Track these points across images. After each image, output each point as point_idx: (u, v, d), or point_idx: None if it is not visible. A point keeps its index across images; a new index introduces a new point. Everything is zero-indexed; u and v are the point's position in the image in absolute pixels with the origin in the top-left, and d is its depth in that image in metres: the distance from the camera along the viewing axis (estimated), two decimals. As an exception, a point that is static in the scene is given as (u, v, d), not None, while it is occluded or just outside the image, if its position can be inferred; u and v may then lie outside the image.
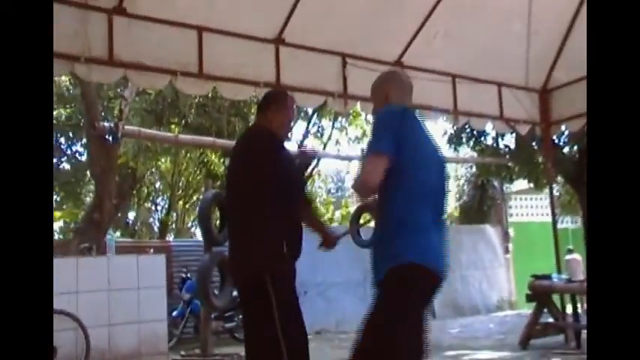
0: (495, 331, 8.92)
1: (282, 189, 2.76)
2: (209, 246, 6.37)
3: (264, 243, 2.75)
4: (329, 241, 3.12)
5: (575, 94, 5.95)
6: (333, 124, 14.65)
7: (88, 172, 11.38)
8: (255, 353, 2.80)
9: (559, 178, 10.97)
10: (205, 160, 13.33)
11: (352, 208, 12.98)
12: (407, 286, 2.29)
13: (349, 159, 12.00)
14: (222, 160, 12.63)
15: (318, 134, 14.91)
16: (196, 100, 11.27)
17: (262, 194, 2.75)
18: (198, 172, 14.33)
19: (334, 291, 10.70)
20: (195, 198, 15.43)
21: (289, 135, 3.56)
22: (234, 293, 8.53)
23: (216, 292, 6.71)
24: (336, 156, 11.28)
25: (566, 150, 10.06)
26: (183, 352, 6.86)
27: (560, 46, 5.75)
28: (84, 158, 13.32)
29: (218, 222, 7.03)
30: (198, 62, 4.37)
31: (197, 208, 8.22)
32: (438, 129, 12.23)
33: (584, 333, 5.85)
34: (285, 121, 3.00)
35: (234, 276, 3.06)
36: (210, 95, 9.80)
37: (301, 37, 4.79)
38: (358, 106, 5.39)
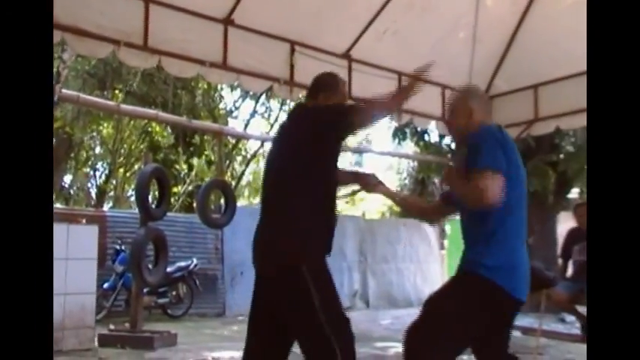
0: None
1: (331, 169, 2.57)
2: (145, 220, 6.31)
3: (305, 228, 2.50)
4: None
5: (514, 103, 6.19)
6: (282, 106, 14.65)
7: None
8: (301, 343, 2.54)
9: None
10: (149, 129, 13.08)
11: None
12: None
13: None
14: (166, 131, 12.43)
15: (266, 115, 14.88)
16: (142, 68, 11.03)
17: (310, 176, 2.53)
18: (141, 141, 14.05)
19: (271, 273, 10.72)
20: (136, 167, 15.16)
21: None
22: (168, 270, 8.53)
23: (150, 267, 6.66)
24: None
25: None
26: (112, 326, 6.79)
27: (502, 55, 5.96)
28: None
29: (156, 197, 6.94)
30: (143, 34, 4.30)
31: (135, 181, 8.08)
32: (383, 122, 12.39)
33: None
34: None
35: (263, 260, 2.63)
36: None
37: (251, 20, 4.77)
38: (302, 95, 5.43)
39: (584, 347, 5.90)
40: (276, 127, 15.03)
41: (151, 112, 7.80)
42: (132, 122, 13.34)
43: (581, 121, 5.94)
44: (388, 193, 3.01)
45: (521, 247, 2.46)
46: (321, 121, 2.58)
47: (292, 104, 14.40)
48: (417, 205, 3.77)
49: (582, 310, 5.74)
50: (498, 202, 2.26)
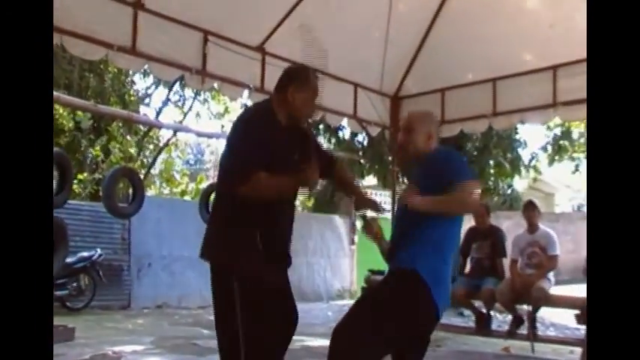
0: (332, 319, 9.31)
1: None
2: (42, 208, 6.01)
3: (234, 235, 2.53)
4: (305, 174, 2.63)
5: (421, 105, 6.40)
6: (195, 96, 14.36)
7: None
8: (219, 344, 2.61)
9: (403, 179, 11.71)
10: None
11: (206, 183, 12.87)
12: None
13: (210, 136, 11.81)
14: (71, 115, 11.83)
15: (179, 104, 14.53)
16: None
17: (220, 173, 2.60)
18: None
19: (179, 265, 10.54)
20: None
21: (309, 119, 3.17)
22: (68, 260, 8.17)
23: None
24: (197, 133, 11.07)
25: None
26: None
27: (412, 58, 6.16)
28: None
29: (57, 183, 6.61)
30: (43, 12, 4.07)
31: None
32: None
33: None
34: (309, 100, 2.67)
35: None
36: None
37: (163, 6, 4.62)
38: (215, 85, 5.35)
39: (478, 339, 6.28)
40: (190, 116, 14.76)
41: (52, 93, 7.40)
42: (34, 103, 12.54)
43: (483, 125, 6.27)
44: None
45: (449, 261, 2.55)
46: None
47: (208, 95, 14.18)
48: None
49: (477, 304, 6.06)
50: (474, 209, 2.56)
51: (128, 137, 12.60)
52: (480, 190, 2.54)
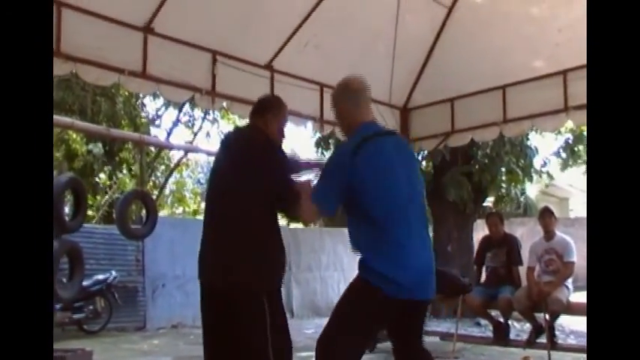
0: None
1: (279, 198, 2.75)
2: (59, 233, 6.05)
3: (252, 258, 2.71)
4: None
5: (431, 115, 6.44)
6: (205, 115, 14.45)
7: None
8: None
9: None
10: (65, 137, 12.53)
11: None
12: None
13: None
14: (84, 139, 11.96)
15: (189, 124, 14.64)
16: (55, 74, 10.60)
17: (260, 203, 2.73)
18: (55, 149, 13.43)
19: (193, 285, 10.46)
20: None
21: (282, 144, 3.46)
22: (84, 284, 8.20)
23: (64, 280, 6.39)
24: (208, 152, 11.14)
25: (423, 166, 10.76)
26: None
27: (420, 70, 6.19)
28: None
29: (72, 208, 6.68)
30: (55, 39, 4.13)
31: (49, 191, 7.71)
32: (307, 133, 12.53)
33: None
34: (280, 129, 3.01)
35: (208, 281, 2.85)
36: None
37: (172, 29, 4.68)
38: (225, 104, 5.40)
39: (496, 349, 6.22)
40: (200, 136, 14.85)
41: (67, 120, 7.48)
42: (46, 129, 12.72)
43: (493, 133, 6.26)
44: None
45: (402, 251, 2.55)
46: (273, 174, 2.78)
47: (217, 113, 14.28)
48: None
49: (494, 313, 6.01)
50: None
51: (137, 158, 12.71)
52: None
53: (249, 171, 2.75)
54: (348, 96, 2.74)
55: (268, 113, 2.97)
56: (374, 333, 2.70)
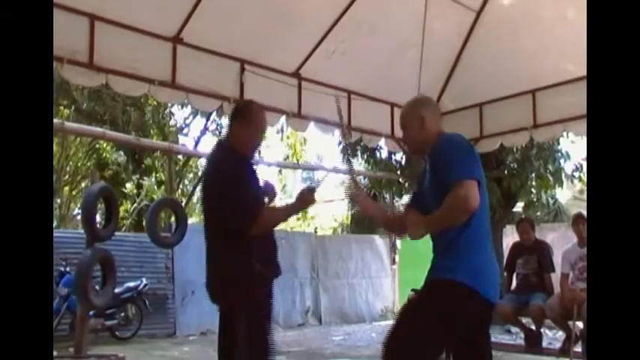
0: (376, 341, 9.21)
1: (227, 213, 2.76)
2: (92, 241, 6.15)
3: (230, 268, 2.76)
4: (306, 199, 2.93)
5: (460, 120, 6.36)
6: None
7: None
8: None
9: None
10: (97, 146, 12.76)
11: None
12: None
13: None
14: (114, 147, 12.15)
15: (217, 132, 14.76)
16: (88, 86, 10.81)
17: (220, 215, 2.78)
18: (87, 158, 13.69)
19: (221, 292, 10.59)
20: (83, 185, 14.73)
21: (256, 152, 3.59)
22: (116, 291, 8.32)
23: (97, 288, 6.48)
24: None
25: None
26: (55, 353, 6.54)
27: (448, 75, 6.14)
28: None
29: (104, 217, 6.79)
30: (88, 52, 4.22)
31: (81, 200, 7.86)
32: (334, 140, 12.52)
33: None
34: (251, 137, 2.90)
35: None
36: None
37: (200, 39, 4.75)
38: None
39: (527, 357, 6.10)
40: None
41: (98, 130, 7.63)
42: (78, 139, 13.00)
43: (524, 138, 6.17)
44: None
45: (485, 252, 2.49)
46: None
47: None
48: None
49: (525, 321, 5.90)
50: (477, 207, 2.30)
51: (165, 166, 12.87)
52: (475, 189, 2.31)
53: (209, 195, 2.88)
54: (432, 108, 2.72)
55: (234, 122, 2.93)
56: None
